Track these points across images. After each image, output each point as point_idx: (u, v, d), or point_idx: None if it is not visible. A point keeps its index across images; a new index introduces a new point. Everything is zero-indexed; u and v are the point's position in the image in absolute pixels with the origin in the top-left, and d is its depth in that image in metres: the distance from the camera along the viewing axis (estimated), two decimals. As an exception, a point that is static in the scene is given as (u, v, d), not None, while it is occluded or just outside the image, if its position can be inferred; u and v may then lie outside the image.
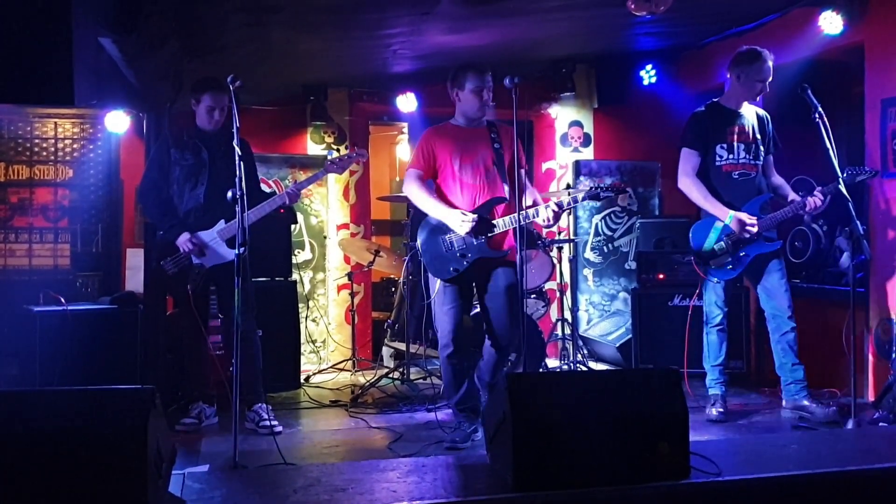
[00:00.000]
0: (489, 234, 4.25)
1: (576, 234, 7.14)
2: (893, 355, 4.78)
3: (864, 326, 5.15)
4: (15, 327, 5.15)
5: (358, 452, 4.27)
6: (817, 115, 4.39)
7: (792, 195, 4.80)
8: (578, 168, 7.42)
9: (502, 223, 4.27)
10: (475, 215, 4.23)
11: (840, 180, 4.41)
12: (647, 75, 6.97)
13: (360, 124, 7.36)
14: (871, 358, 5.12)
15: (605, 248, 7.44)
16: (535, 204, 4.39)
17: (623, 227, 7.45)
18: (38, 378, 4.85)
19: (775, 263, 4.79)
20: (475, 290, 4.49)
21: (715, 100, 4.89)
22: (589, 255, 7.40)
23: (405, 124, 8.62)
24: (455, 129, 4.48)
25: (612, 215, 7.47)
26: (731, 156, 4.76)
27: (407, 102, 6.99)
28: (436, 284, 4.40)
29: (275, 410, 4.85)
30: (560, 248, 6.29)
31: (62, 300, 5.07)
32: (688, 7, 5.27)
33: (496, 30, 5.13)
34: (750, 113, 4.84)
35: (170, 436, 3.06)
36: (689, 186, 4.74)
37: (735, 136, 4.76)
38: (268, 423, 4.57)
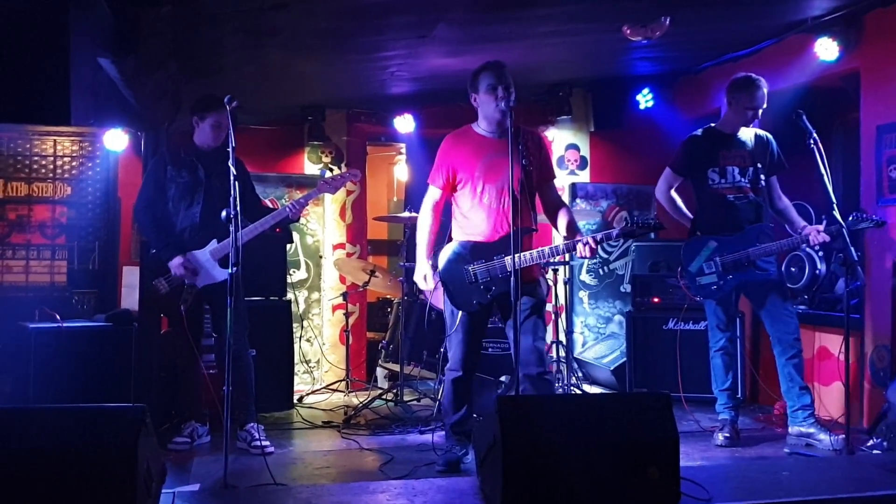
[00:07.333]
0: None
1: (571, 256, 7.14)
2: (888, 382, 4.78)
3: (858, 353, 5.15)
4: (10, 343, 5.12)
5: (349, 474, 4.25)
6: (812, 141, 4.39)
7: (797, 220, 4.80)
8: (575, 191, 7.45)
9: (529, 257, 3.99)
10: (432, 285, 4.20)
11: (838, 216, 4.36)
12: (644, 99, 7.00)
13: (358, 144, 7.38)
14: (865, 385, 5.11)
15: (600, 270, 7.45)
16: (571, 224, 4.18)
17: (618, 249, 7.47)
18: (32, 394, 4.83)
19: (776, 288, 4.77)
20: (499, 316, 4.37)
21: (712, 125, 4.93)
22: (584, 277, 7.41)
23: (403, 145, 8.67)
24: (478, 139, 4.23)
25: (608, 238, 7.47)
26: (723, 179, 4.78)
27: (404, 123, 7.03)
28: (457, 314, 4.21)
29: (267, 430, 4.84)
30: (556, 271, 6.30)
31: (58, 317, 5.07)
32: (683, 33, 5.31)
33: (493, 54, 5.12)
34: (747, 136, 4.86)
35: (160, 454, 3.06)
36: (662, 203, 5.05)
37: (727, 160, 4.78)
38: (259, 443, 4.57)
